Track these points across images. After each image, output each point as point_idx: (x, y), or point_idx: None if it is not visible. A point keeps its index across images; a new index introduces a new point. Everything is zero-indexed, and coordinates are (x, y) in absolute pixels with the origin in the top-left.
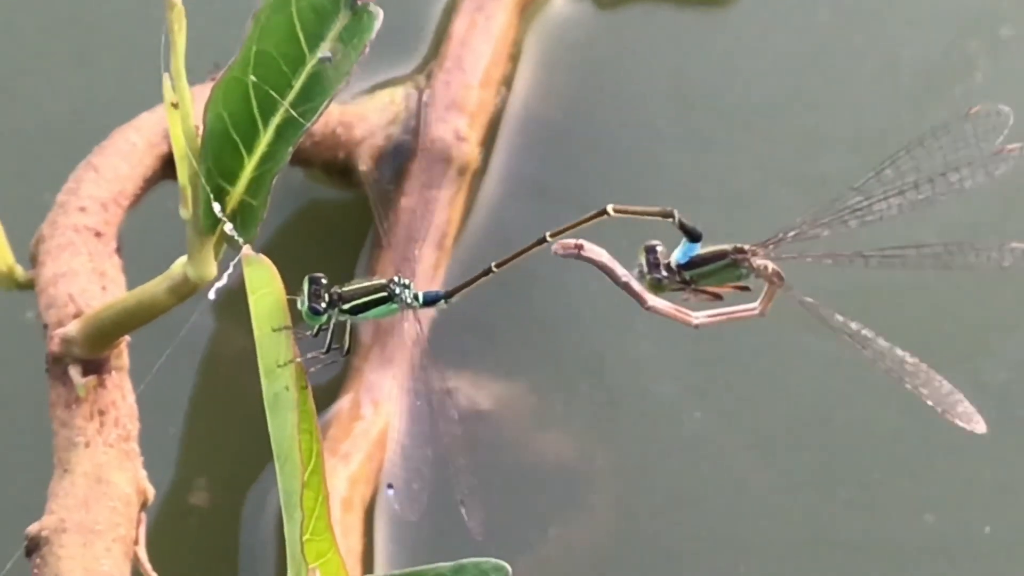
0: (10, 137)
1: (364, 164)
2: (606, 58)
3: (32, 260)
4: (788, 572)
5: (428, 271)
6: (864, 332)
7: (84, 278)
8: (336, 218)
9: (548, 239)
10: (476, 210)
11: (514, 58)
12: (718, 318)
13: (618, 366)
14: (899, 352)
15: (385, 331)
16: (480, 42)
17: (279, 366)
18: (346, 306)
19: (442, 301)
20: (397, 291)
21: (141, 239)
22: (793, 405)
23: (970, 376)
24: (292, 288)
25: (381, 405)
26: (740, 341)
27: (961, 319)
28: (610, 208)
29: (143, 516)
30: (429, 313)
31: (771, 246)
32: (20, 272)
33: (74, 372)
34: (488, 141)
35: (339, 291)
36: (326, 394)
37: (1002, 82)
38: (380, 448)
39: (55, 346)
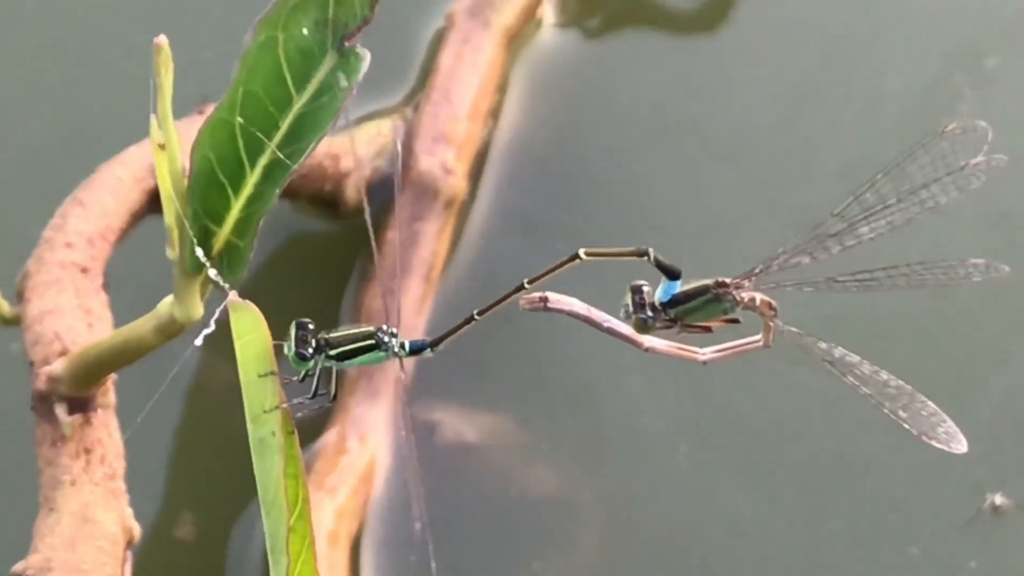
0: None
1: (355, 194)
2: (593, 88)
3: (18, 296)
4: None
5: (415, 304)
6: (848, 358)
7: (70, 315)
8: (323, 250)
9: (527, 285)
10: (463, 242)
11: (501, 90)
12: (725, 353)
13: (605, 399)
14: (883, 375)
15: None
16: (467, 74)
17: (265, 411)
18: (333, 352)
19: (428, 350)
20: (385, 339)
21: (128, 271)
22: (781, 438)
23: (960, 411)
24: (278, 326)
25: (367, 439)
26: (728, 375)
27: (946, 355)
28: (582, 252)
29: (129, 555)
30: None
31: (755, 277)
32: (6, 308)
33: (60, 410)
34: (475, 173)
35: (326, 337)
36: (312, 427)
37: (987, 113)
38: (366, 482)
39: (41, 384)
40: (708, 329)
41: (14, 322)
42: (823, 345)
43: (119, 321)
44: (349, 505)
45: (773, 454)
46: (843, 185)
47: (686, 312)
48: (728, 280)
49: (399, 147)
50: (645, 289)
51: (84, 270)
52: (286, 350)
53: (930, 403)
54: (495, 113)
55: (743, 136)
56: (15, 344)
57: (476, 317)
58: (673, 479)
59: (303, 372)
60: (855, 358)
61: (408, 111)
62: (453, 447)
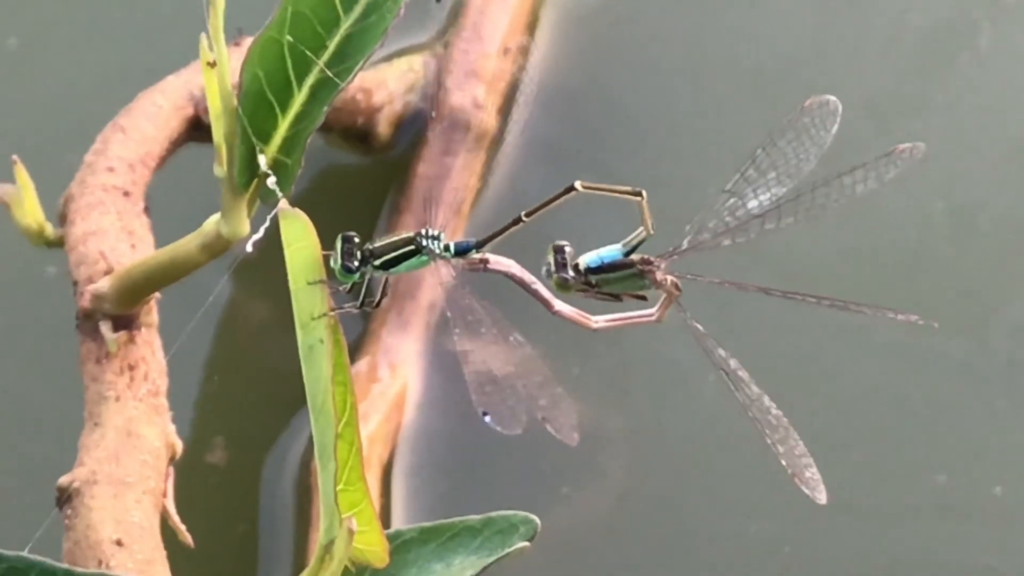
0: (35, 100)
1: (387, 128)
2: (621, 25)
3: (61, 219)
4: (800, 533)
5: (445, 237)
6: (740, 373)
7: (113, 236)
8: (354, 184)
9: (524, 218)
10: (493, 177)
11: (531, 27)
12: (617, 323)
13: (632, 330)
14: (767, 402)
15: (402, 295)
16: (498, 11)
17: (314, 319)
18: (377, 262)
19: (473, 251)
20: (424, 243)
21: (165, 199)
22: (806, 369)
23: (978, 340)
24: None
25: (398, 368)
26: (753, 306)
27: (968, 284)
28: (578, 184)
29: (171, 470)
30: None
31: (672, 257)
32: (50, 230)
33: (105, 328)
34: (505, 109)
35: (370, 248)
36: None
37: (1006, 48)
38: (397, 410)
39: (86, 302)
40: (618, 298)
41: (57, 244)
42: (721, 352)
43: (158, 247)
44: (380, 432)
45: (800, 385)
46: (869, 121)
47: (606, 281)
48: (653, 259)
49: (431, 82)
50: (567, 250)
51: (126, 193)
52: (332, 263)
53: (803, 444)
54: (525, 50)
55: (769, 71)
56: (52, 267)
57: (524, 218)
58: (700, 409)
59: (350, 283)
60: (745, 374)
61: (439, 47)
62: (483, 376)
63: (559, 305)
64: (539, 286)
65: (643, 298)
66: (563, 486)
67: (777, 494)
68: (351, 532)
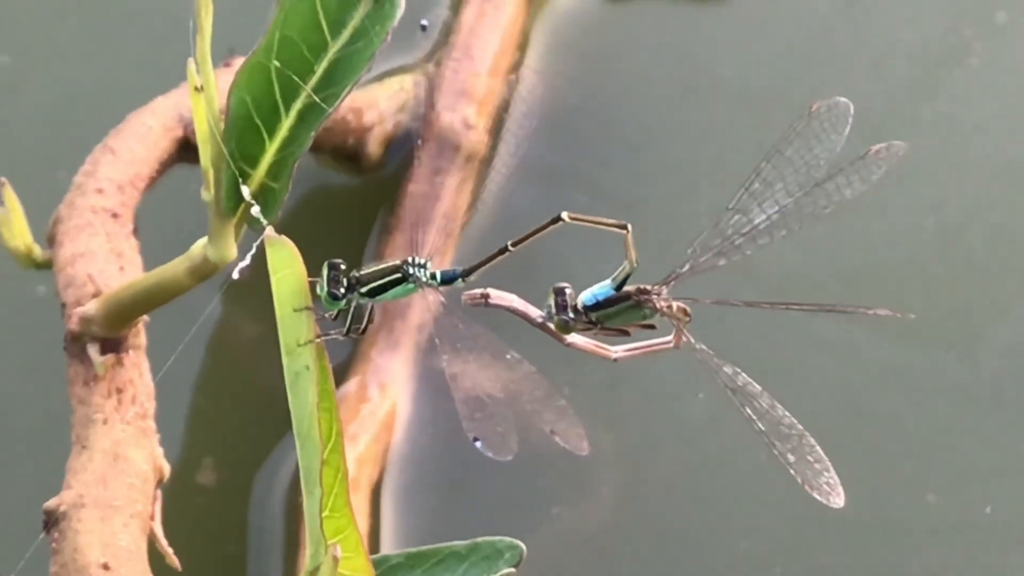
0: (26, 118)
1: (377, 148)
2: (612, 44)
3: (49, 240)
4: (790, 550)
5: (435, 257)
6: (749, 388)
7: (102, 258)
8: (345, 203)
9: (511, 248)
10: (483, 197)
11: (522, 47)
12: (635, 352)
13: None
14: (779, 412)
15: (392, 315)
16: (489, 31)
17: (300, 345)
18: (364, 289)
19: (460, 280)
20: (412, 271)
21: (155, 220)
22: (795, 387)
23: (965, 359)
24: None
25: (388, 388)
26: (744, 324)
27: (958, 302)
28: (565, 215)
29: (159, 493)
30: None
31: (671, 283)
32: (38, 252)
33: (92, 351)
34: (496, 129)
35: (357, 275)
36: (334, 376)
37: (997, 67)
38: (387, 430)
39: (74, 324)
40: (626, 332)
41: (46, 266)
42: (727, 370)
43: (147, 268)
44: (369, 453)
45: (791, 402)
46: (861, 140)
47: (607, 316)
48: (650, 288)
49: (430, 99)
50: (568, 292)
51: (115, 215)
52: (318, 290)
53: (819, 449)
54: (516, 70)
55: (759, 91)
56: (42, 287)
57: (510, 248)
58: (689, 427)
59: (336, 310)
60: (756, 388)
61: (430, 67)
62: (473, 403)
63: (572, 338)
64: (546, 321)
65: (651, 327)
66: (554, 505)
67: (768, 512)
68: (336, 559)
